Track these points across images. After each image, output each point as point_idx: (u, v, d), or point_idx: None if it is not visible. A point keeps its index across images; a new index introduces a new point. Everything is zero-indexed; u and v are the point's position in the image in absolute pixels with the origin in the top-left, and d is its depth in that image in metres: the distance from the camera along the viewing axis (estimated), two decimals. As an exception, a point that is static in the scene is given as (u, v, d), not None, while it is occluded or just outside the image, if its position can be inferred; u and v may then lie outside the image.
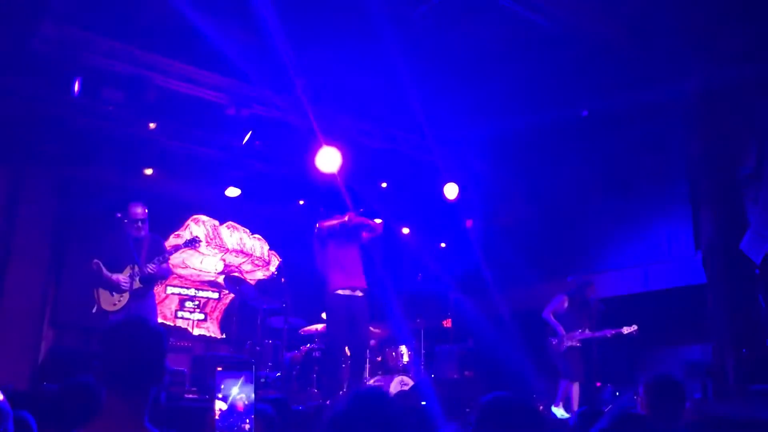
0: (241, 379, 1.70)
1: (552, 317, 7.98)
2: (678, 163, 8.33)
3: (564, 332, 7.85)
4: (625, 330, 7.62)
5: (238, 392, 1.70)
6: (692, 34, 6.90)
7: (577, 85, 7.85)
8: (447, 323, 9.68)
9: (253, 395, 1.70)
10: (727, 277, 7.19)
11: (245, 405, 1.69)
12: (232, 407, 1.69)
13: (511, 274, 9.94)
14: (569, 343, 7.82)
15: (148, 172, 8.82)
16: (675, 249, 8.54)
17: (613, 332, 7.69)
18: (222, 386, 1.70)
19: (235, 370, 1.72)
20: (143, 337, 2.06)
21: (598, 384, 8.05)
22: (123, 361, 1.99)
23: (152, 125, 8.01)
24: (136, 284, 6.34)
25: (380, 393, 1.92)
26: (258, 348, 8.20)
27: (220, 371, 1.71)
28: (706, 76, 7.26)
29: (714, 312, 7.26)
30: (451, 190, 9.74)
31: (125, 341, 2.04)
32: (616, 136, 8.59)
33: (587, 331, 7.83)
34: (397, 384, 7.83)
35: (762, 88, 7.05)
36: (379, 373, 8.41)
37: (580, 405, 7.56)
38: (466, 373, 9.01)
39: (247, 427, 1.68)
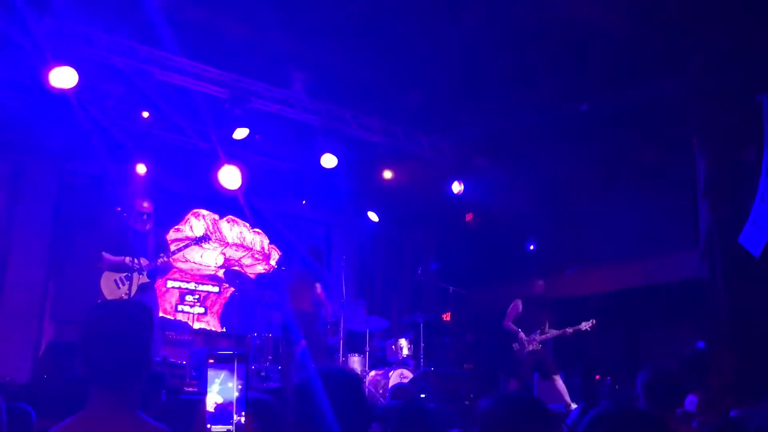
0: (234, 372, 1.70)
1: (511, 325, 8.10)
2: (678, 157, 8.32)
3: (524, 336, 7.95)
4: (584, 325, 7.69)
5: (230, 385, 1.70)
6: (693, 27, 6.88)
7: (578, 80, 7.84)
8: (446, 317, 9.69)
9: (244, 388, 1.69)
10: (727, 271, 7.18)
11: (237, 397, 1.69)
12: (223, 400, 1.69)
13: (511, 267, 9.95)
14: (530, 347, 7.93)
15: (142, 170, 8.71)
16: (674, 243, 8.54)
17: (573, 329, 7.81)
18: (214, 379, 1.70)
19: (226, 362, 1.72)
20: (126, 327, 1.97)
21: (597, 377, 8.07)
22: (106, 354, 1.93)
23: (146, 114, 8.02)
24: (143, 278, 6.40)
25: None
26: (258, 341, 8.22)
27: (211, 363, 1.71)
28: (706, 70, 7.25)
29: (713, 306, 7.25)
30: (455, 185, 9.75)
31: (107, 333, 1.96)
32: (617, 131, 8.58)
33: (548, 331, 7.91)
34: (397, 377, 7.86)
35: (763, 82, 7.03)
36: (379, 365, 8.44)
37: (578, 399, 7.60)
38: (465, 366, 9.04)
39: (241, 419, 1.68)
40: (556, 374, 7.80)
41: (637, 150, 8.73)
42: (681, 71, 7.38)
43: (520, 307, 8.13)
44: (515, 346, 8.02)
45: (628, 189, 8.94)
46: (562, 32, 7.05)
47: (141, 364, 1.97)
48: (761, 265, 6.96)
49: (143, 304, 2.10)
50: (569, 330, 7.83)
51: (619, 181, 9.02)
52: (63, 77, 6.97)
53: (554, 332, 7.93)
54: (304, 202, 10.43)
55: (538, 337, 7.92)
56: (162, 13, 6.80)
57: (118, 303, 2.16)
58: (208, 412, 1.68)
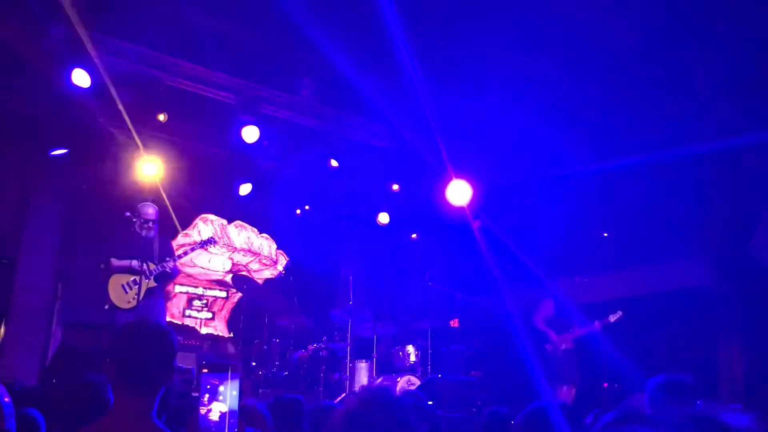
0: (227, 381, 1.72)
1: (542, 324, 8.00)
2: (686, 163, 8.27)
3: (556, 337, 7.86)
4: (612, 317, 7.63)
5: (224, 393, 1.72)
6: (698, 26, 6.86)
7: (582, 81, 7.83)
8: (454, 323, 9.67)
9: (237, 396, 1.72)
10: (737, 278, 7.15)
11: (230, 406, 1.71)
12: (227, 409, 1.71)
13: (519, 274, 9.92)
14: (564, 346, 7.82)
15: (161, 117, 8.65)
16: (684, 249, 8.49)
17: (602, 323, 7.69)
18: (207, 387, 1.72)
19: (220, 371, 1.75)
20: (154, 338, 2.11)
21: (606, 384, 8.02)
22: (133, 361, 2.04)
23: (161, 117, 8.02)
24: (150, 283, 6.42)
25: (389, 393, 1.93)
26: (265, 347, 8.22)
27: (205, 373, 1.74)
28: (713, 70, 7.21)
29: (723, 312, 7.22)
30: (462, 195, 9.66)
31: (136, 342, 2.09)
32: (621, 134, 8.55)
33: (577, 330, 7.83)
34: (404, 383, 7.84)
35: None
36: (386, 372, 8.43)
37: (591, 408, 7.54)
38: (473, 373, 9.01)
39: (234, 428, 1.69)
40: (575, 384, 7.72)
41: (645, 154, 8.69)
42: (686, 75, 7.36)
43: (552, 306, 8.03)
44: (548, 347, 7.93)
45: (633, 194, 8.89)
46: (568, 33, 7.05)
47: (166, 372, 2.07)
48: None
49: (169, 327, 2.27)
50: (598, 324, 7.71)
51: (624, 185, 8.97)
52: (80, 78, 7.05)
53: (584, 330, 7.82)
54: (307, 207, 10.42)
55: (570, 336, 7.82)
56: (171, 19, 6.85)
57: (147, 321, 2.32)
58: (213, 421, 1.70)
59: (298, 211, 10.35)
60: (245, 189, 9.15)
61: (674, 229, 8.57)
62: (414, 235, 11.28)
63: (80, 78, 7.01)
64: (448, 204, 9.79)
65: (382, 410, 1.76)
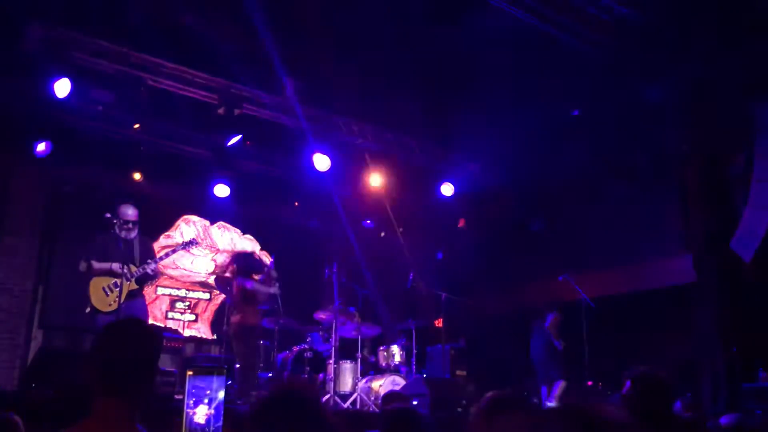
0: (213, 382, 1.70)
1: (552, 329, 8.46)
2: (668, 162, 8.35)
3: (556, 341, 8.39)
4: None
5: (210, 395, 1.70)
6: (682, 31, 6.92)
7: (570, 84, 7.86)
8: (438, 323, 9.66)
9: (222, 397, 1.70)
10: (718, 276, 7.21)
11: (216, 407, 1.69)
12: (203, 409, 1.69)
13: (503, 273, 9.96)
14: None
15: (137, 176, 8.81)
16: (665, 248, 8.57)
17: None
18: (193, 390, 1.71)
19: (206, 373, 1.73)
20: (138, 339, 2.05)
21: (590, 383, 8.07)
22: (116, 362, 1.97)
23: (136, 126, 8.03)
24: (132, 285, 6.34)
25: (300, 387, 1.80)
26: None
27: (191, 375, 1.72)
28: (695, 75, 7.29)
29: (704, 311, 7.27)
30: (446, 189, 9.80)
31: (120, 342, 2.02)
32: (607, 136, 8.61)
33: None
34: (389, 384, 7.83)
35: (751, 87, 7.07)
36: (371, 372, 8.41)
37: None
38: (458, 372, 9.02)
39: (219, 427, 1.68)
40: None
41: (628, 155, 8.76)
42: (673, 77, 7.42)
43: (561, 318, 8.48)
44: (558, 346, 8.40)
45: (618, 194, 8.96)
46: (554, 35, 7.07)
47: (149, 373, 2.01)
48: (751, 271, 6.99)
49: (155, 327, 2.22)
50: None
51: (610, 185, 9.04)
52: (59, 87, 6.98)
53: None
54: (296, 203, 10.39)
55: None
56: (153, 19, 6.80)
57: (131, 321, 2.24)
58: (198, 423, 1.68)
59: (296, 204, 10.39)
60: (223, 191, 9.06)
61: (657, 228, 8.64)
62: (382, 234, 11.29)
63: (63, 83, 6.96)
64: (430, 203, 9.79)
65: (294, 406, 1.62)
